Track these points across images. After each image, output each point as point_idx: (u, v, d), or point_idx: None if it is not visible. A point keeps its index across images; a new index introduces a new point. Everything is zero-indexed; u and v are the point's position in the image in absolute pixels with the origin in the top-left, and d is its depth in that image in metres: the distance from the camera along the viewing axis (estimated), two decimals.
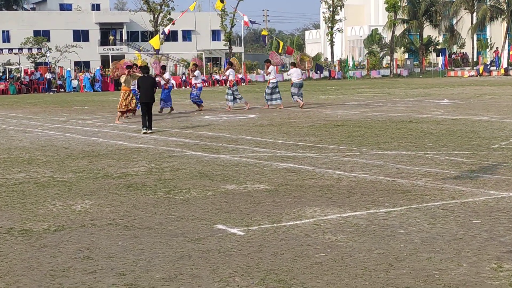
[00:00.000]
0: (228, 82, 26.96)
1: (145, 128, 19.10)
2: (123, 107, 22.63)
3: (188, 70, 26.98)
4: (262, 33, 34.07)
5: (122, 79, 22.93)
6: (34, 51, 63.27)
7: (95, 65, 71.54)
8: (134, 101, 22.73)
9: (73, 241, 7.61)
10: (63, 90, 55.36)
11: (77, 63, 75.56)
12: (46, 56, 63.39)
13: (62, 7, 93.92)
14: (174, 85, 56.46)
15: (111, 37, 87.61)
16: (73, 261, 6.83)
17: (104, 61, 75.17)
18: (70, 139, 18.08)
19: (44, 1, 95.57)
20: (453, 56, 79.64)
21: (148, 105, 19.31)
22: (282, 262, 6.57)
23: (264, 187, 10.40)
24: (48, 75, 55.67)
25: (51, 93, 53.16)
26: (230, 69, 26.73)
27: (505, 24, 71.68)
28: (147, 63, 26.18)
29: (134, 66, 24.16)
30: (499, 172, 11.02)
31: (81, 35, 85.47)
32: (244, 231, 7.78)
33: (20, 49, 59.86)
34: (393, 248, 6.94)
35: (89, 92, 52.63)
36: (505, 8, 68.98)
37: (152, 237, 7.67)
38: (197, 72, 26.94)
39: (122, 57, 64.62)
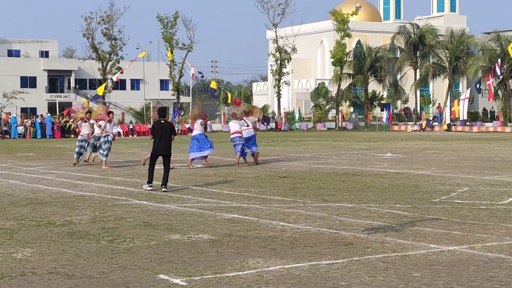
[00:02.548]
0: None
1: (150, 184, 16.44)
2: None
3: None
4: (211, 85, 34.14)
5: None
6: None
7: (42, 111, 70.86)
8: None
9: None
10: (8, 136, 54.68)
11: (23, 110, 74.71)
12: None
13: (10, 53, 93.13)
14: (121, 133, 56.14)
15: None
16: None
17: (51, 108, 74.49)
18: (13, 186, 17.84)
19: None
20: (395, 111, 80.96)
21: (166, 158, 16.47)
22: None
23: (208, 237, 10.42)
24: None
25: None
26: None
27: (447, 81, 73.54)
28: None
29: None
30: (440, 226, 11.24)
31: (28, 82, 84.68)
32: (186, 281, 7.78)
33: None
34: None
35: (35, 139, 52.03)
36: (447, 65, 70.83)
37: (94, 286, 7.61)
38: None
39: (69, 104, 64.14)
